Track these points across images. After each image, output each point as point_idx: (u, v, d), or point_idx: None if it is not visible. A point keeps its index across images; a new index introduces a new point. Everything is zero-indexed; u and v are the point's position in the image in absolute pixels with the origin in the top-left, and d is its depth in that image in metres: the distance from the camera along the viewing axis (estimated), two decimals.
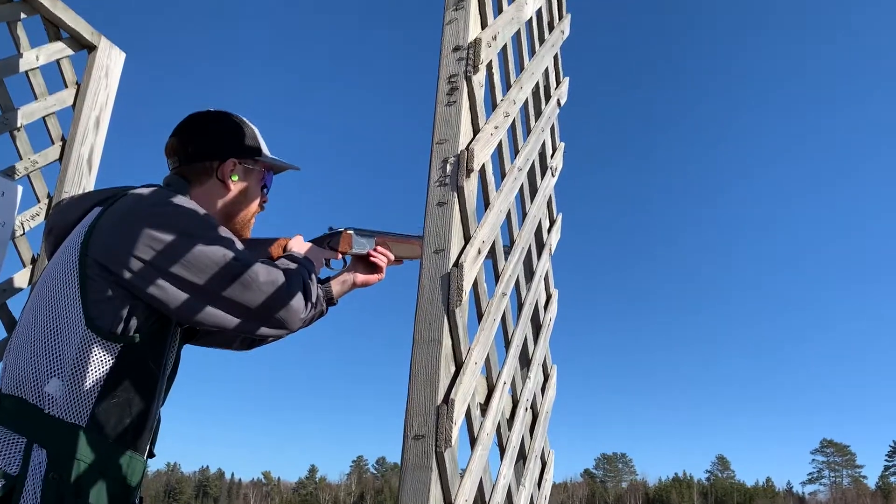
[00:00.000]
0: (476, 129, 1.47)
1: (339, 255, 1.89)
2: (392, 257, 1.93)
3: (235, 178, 1.71)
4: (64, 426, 1.36)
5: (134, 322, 1.44)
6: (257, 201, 1.77)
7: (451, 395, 1.24)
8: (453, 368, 1.31)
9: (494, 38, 1.55)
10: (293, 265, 1.62)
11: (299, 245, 1.83)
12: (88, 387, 1.39)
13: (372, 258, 1.91)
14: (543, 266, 2.04)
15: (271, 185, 1.82)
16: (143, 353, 1.46)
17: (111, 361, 1.41)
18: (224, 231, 1.52)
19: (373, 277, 1.91)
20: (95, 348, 1.40)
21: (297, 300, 1.54)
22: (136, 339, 1.44)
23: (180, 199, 1.51)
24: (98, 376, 1.40)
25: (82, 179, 2.61)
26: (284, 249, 1.82)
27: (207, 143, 1.70)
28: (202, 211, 1.52)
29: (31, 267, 2.45)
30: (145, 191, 1.52)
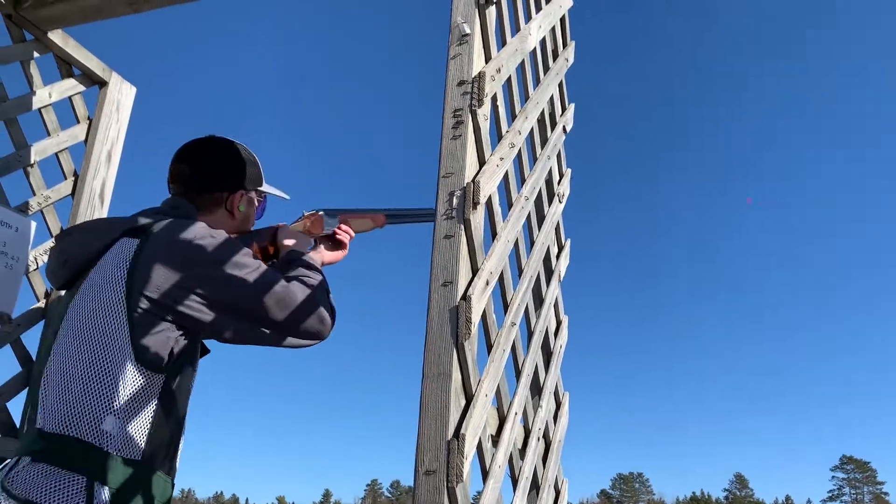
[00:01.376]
0: (482, 162, 1.48)
1: (313, 238, 1.95)
2: (353, 234, 1.98)
3: (242, 208, 1.77)
4: (122, 462, 1.37)
5: (176, 351, 1.47)
6: (252, 224, 1.85)
7: (462, 430, 1.24)
8: (463, 402, 1.31)
9: (498, 70, 1.56)
10: (316, 276, 1.65)
11: (289, 236, 1.87)
12: (140, 420, 1.41)
13: (337, 236, 1.95)
14: (553, 293, 2.04)
15: (265, 209, 1.90)
16: (179, 380, 1.50)
17: (157, 393, 1.44)
18: (255, 256, 1.58)
19: (338, 255, 1.97)
20: (144, 381, 1.42)
21: (328, 312, 1.61)
22: (176, 369, 1.48)
23: (217, 232, 1.55)
24: (147, 409, 1.42)
25: (94, 213, 2.63)
26: (274, 237, 1.87)
27: (220, 175, 1.74)
28: (233, 238, 1.57)
29: (44, 301, 2.47)
30: (184, 225, 1.54)
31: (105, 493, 1.33)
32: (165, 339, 1.44)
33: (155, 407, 1.43)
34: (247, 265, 1.53)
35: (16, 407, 2.36)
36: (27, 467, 1.31)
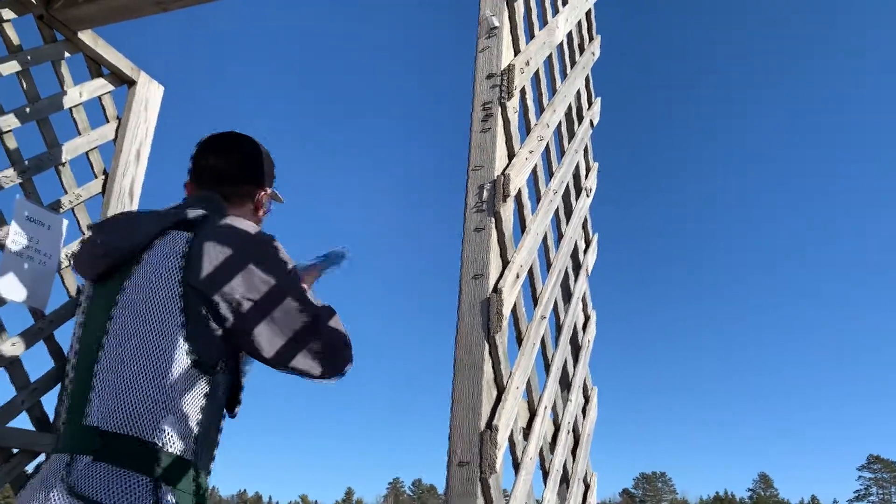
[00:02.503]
0: (511, 155, 1.48)
1: None
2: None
3: (265, 205, 1.77)
4: (181, 462, 1.37)
5: (225, 353, 1.45)
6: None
7: (494, 421, 1.24)
8: (495, 394, 1.31)
9: (527, 63, 1.56)
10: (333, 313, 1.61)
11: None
12: (193, 420, 1.40)
13: None
14: (581, 287, 2.03)
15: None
16: (223, 383, 1.48)
17: (206, 394, 1.43)
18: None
19: None
20: (197, 381, 1.41)
21: (340, 344, 1.56)
22: (223, 370, 1.46)
23: (268, 237, 1.52)
24: (199, 410, 1.41)
25: (124, 210, 2.66)
26: None
27: (256, 170, 1.73)
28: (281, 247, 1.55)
29: (76, 298, 2.50)
30: (238, 224, 1.51)
31: (171, 495, 1.34)
32: (217, 339, 1.43)
33: (204, 407, 1.42)
34: (296, 281, 1.50)
35: (49, 402, 2.40)
36: (89, 467, 1.29)
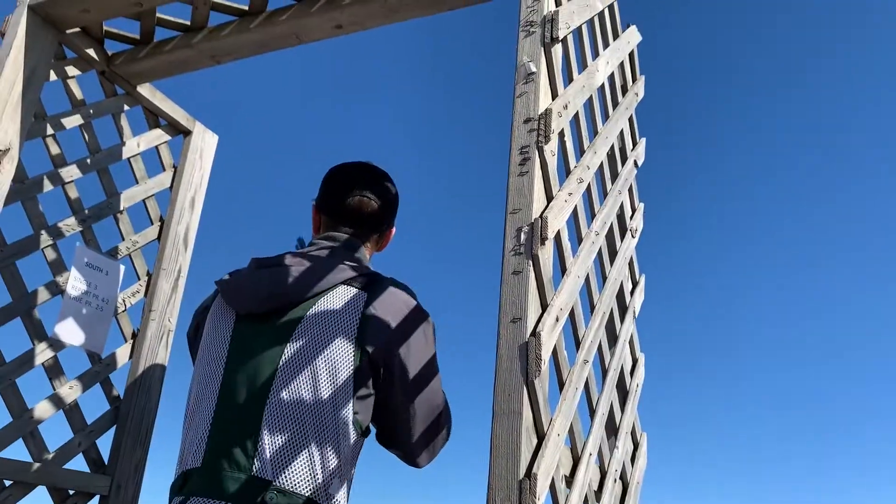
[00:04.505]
0: (549, 197, 1.47)
1: None
2: None
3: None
4: None
5: (370, 417, 1.45)
6: None
7: (534, 470, 1.21)
8: (535, 441, 1.29)
9: (565, 107, 1.56)
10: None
11: None
12: (348, 483, 1.39)
13: None
14: (627, 330, 1.99)
15: None
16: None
17: (358, 456, 1.43)
18: None
19: None
20: (355, 445, 1.40)
21: (446, 439, 1.59)
22: (367, 434, 1.46)
23: (429, 316, 1.53)
24: (352, 473, 1.42)
25: (178, 257, 2.74)
26: None
27: (394, 212, 1.68)
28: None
29: (131, 341, 2.57)
30: (405, 294, 1.50)
31: None
32: (371, 404, 1.42)
33: (355, 467, 1.42)
34: (434, 363, 1.52)
35: (104, 444, 2.45)
36: None
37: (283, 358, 1.37)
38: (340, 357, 1.38)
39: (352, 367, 1.38)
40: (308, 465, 1.31)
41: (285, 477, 1.29)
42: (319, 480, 1.31)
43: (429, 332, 1.51)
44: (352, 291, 1.45)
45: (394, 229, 1.71)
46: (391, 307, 1.46)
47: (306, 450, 1.32)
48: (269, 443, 1.30)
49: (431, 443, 1.51)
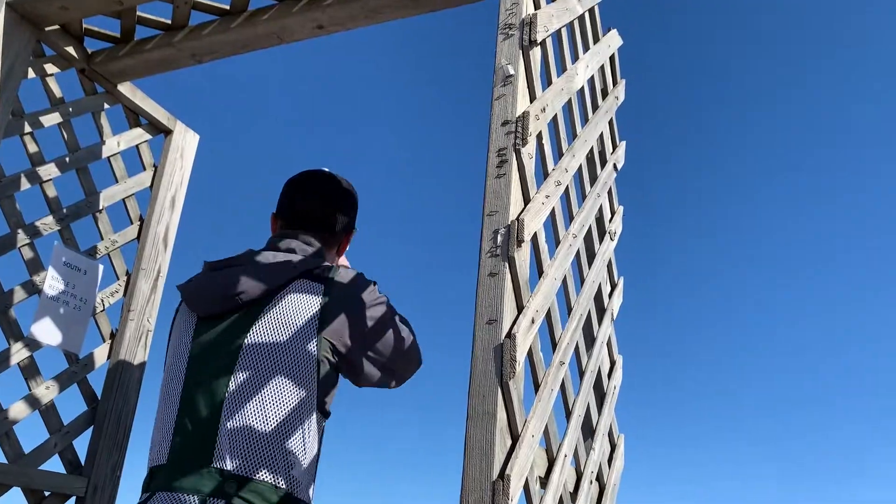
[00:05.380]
0: (527, 200, 1.48)
1: None
2: None
3: (347, 247, 1.82)
4: None
5: (334, 399, 1.53)
6: None
7: (507, 471, 1.22)
8: (509, 442, 1.29)
9: (543, 110, 1.57)
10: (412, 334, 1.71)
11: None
12: (312, 465, 1.45)
13: None
14: (605, 332, 2.00)
15: None
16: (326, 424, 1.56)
17: (321, 438, 1.49)
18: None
19: None
20: (319, 428, 1.47)
21: (419, 364, 1.69)
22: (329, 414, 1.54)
23: (379, 294, 1.62)
24: (316, 455, 1.47)
25: (158, 256, 2.73)
26: None
27: (352, 218, 1.77)
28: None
29: (109, 342, 2.55)
30: (363, 281, 1.59)
31: None
32: (332, 383, 1.49)
33: (319, 450, 1.48)
34: (406, 329, 1.63)
35: (81, 445, 2.43)
36: None
37: (242, 353, 1.42)
38: (302, 350, 1.43)
39: (314, 358, 1.43)
40: (268, 452, 1.35)
41: (245, 466, 1.33)
42: (281, 466, 1.35)
43: (377, 297, 1.58)
44: (307, 284, 1.51)
45: (353, 233, 1.79)
46: (347, 294, 1.52)
47: (266, 437, 1.35)
48: (229, 434, 1.35)
49: (402, 374, 1.65)
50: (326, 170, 1.78)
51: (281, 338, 1.43)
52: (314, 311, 1.46)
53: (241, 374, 1.40)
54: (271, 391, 1.39)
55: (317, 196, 1.70)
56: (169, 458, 1.38)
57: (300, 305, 1.47)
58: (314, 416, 1.44)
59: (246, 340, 1.44)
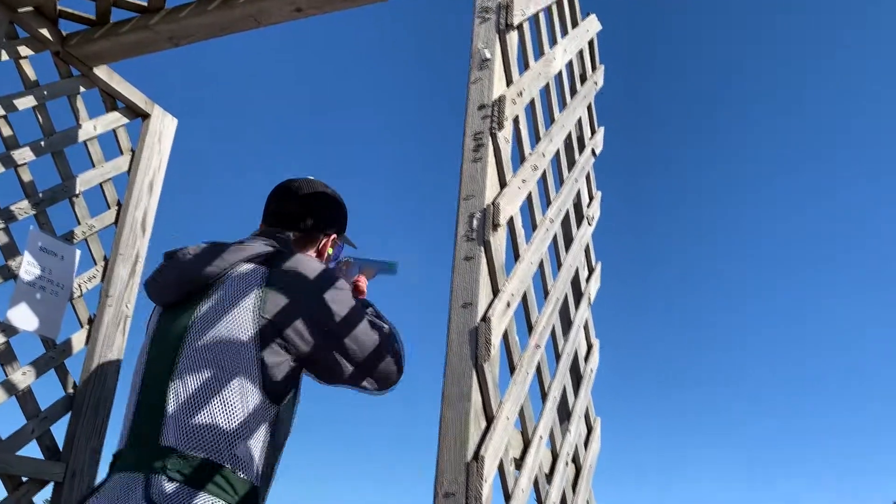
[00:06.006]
0: (503, 184, 1.49)
1: None
2: (365, 282, 2.01)
3: (330, 251, 1.85)
4: (251, 487, 1.42)
5: (289, 382, 1.52)
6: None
7: (482, 452, 1.23)
8: (484, 424, 1.30)
9: (520, 94, 1.57)
10: (387, 324, 1.71)
11: (357, 282, 1.94)
12: (259, 447, 1.45)
13: (359, 284, 1.97)
14: (582, 316, 2.02)
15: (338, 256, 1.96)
16: (286, 409, 1.55)
17: (272, 420, 1.49)
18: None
19: None
20: (265, 409, 1.47)
21: (397, 358, 1.66)
22: (286, 398, 1.53)
23: (339, 277, 1.63)
24: (265, 435, 1.47)
25: (136, 241, 2.71)
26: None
27: (326, 220, 1.81)
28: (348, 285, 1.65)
29: (87, 327, 2.54)
30: (309, 262, 1.60)
31: None
32: (284, 369, 1.49)
33: (269, 433, 1.48)
34: (362, 312, 1.61)
35: (59, 431, 2.42)
36: (167, 487, 1.32)
37: (185, 340, 1.47)
38: (242, 330, 1.45)
39: (255, 338, 1.45)
40: (208, 433, 1.37)
41: (188, 443, 1.37)
42: (222, 445, 1.37)
43: (337, 287, 1.59)
44: (255, 268, 1.54)
45: (332, 238, 1.84)
46: (291, 277, 1.54)
47: (209, 418, 1.38)
48: (175, 414, 1.40)
49: (375, 370, 1.61)
50: (311, 177, 1.85)
51: (220, 321, 1.47)
52: (257, 292, 1.49)
53: (183, 362, 1.45)
54: (212, 375, 1.43)
55: (290, 196, 1.78)
56: (126, 442, 1.46)
57: (242, 288, 1.50)
58: (257, 399, 1.44)
59: (188, 327, 1.49)
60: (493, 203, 1.40)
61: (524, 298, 1.58)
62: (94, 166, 2.63)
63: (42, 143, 2.44)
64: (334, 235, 1.85)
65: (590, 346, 2.14)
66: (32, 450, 2.35)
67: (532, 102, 1.73)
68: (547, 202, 1.82)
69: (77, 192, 2.55)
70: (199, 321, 1.48)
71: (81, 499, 1.46)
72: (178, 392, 1.42)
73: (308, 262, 1.59)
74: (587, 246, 2.16)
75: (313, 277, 1.56)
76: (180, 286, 1.57)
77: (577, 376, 2.00)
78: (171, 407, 1.41)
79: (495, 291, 1.40)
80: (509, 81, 1.57)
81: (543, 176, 1.77)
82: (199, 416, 1.39)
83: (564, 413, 1.86)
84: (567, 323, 1.93)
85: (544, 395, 1.67)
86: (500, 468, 1.34)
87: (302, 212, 1.76)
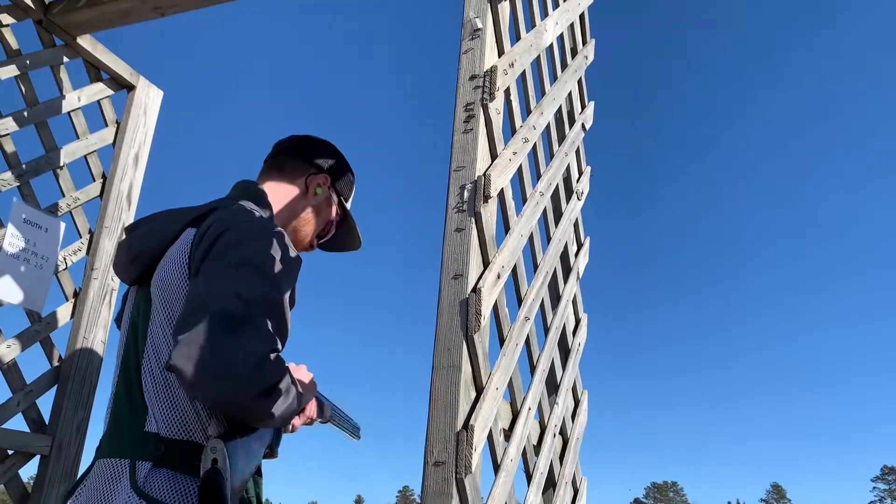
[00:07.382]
0: (494, 156, 1.48)
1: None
2: (313, 412, 1.60)
3: (319, 192, 1.60)
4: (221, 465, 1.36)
5: None
6: (314, 230, 1.64)
7: (471, 421, 1.24)
8: (473, 394, 1.31)
9: (511, 65, 1.56)
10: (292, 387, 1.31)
11: (303, 375, 1.51)
12: (214, 424, 1.37)
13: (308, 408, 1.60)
14: (571, 290, 2.03)
15: (332, 234, 1.70)
16: None
17: None
18: (280, 276, 1.31)
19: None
20: None
21: (272, 401, 1.25)
22: None
23: (273, 235, 1.34)
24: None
25: (122, 214, 2.68)
26: None
27: (318, 153, 1.63)
28: (277, 247, 1.33)
29: (72, 301, 2.52)
30: (240, 212, 1.39)
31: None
32: None
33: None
34: (255, 273, 1.26)
35: (44, 404, 2.41)
36: (152, 472, 1.29)
37: (148, 318, 1.38)
38: (177, 299, 1.34)
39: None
40: (183, 414, 1.33)
41: (170, 427, 1.32)
42: (195, 425, 1.32)
43: (250, 237, 1.31)
44: (190, 232, 1.39)
45: (324, 177, 1.59)
46: (215, 229, 1.33)
47: (178, 401, 1.33)
48: (151, 398, 1.34)
49: (190, 345, 1.18)
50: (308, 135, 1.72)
51: (163, 293, 1.36)
52: (185, 258, 1.35)
53: (149, 341, 1.38)
54: (166, 352, 1.33)
55: (278, 145, 1.67)
56: (109, 426, 1.42)
57: (177, 257, 1.37)
58: None
59: (143, 304, 1.40)
60: (484, 174, 1.39)
61: (514, 271, 1.58)
62: (78, 138, 2.60)
63: (25, 113, 2.40)
64: (328, 177, 1.60)
65: (578, 321, 2.15)
66: (18, 422, 2.34)
67: (523, 74, 1.72)
68: (537, 175, 1.81)
69: (61, 163, 2.51)
70: (150, 300, 1.39)
71: (69, 490, 1.43)
72: (150, 374, 1.35)
73: (238, 209, 1.39)
74: (576, 221, 2.16)
75: (231, 221, 1.33)
76: (137, 262, 1.45)
77: (564, 349, 2.01)
78: (147, 391, 1.35)
79: (486, 263, 1.40)
80: (501, 52, 1.56)
81: (534, 149, 1.76)
82: (170, 399, 1.33)
83: (553, 386, 1.87)
84: (556, 297, 1.93)
85: (533, 368, 1.68)
86: (490, 438, 1.34)
87: (294, 143, 1.63)
